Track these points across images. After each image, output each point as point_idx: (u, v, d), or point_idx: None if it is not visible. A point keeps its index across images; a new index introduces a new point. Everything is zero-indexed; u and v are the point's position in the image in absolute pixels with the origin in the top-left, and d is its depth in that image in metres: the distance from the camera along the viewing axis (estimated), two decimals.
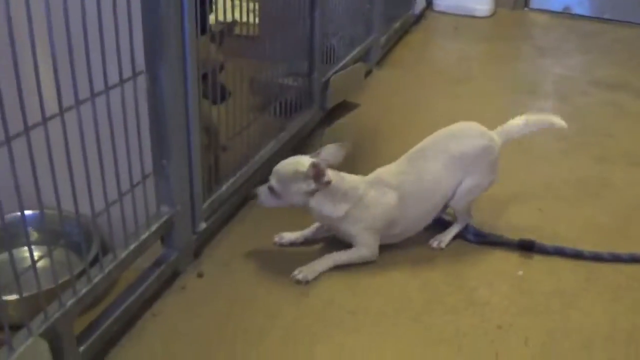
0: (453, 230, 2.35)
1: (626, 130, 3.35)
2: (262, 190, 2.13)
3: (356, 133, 3.14)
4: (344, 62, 3.28)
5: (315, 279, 2.11)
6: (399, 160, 2.28)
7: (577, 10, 5.66)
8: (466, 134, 2.30)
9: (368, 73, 3.81)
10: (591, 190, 2.75)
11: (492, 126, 2.37)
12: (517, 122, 2.40)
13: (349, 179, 2.15)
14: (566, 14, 5.66)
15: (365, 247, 2.19)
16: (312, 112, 2.93)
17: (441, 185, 2.25)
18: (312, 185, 2.06)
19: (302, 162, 2.09)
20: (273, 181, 2.10)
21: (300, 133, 2.83)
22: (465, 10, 5.37)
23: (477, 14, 5.35)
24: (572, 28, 5.27)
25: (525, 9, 5.75)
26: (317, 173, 2.04)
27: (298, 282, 2.09)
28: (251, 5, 2.55)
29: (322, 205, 2.10)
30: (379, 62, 4.00)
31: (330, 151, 2.15)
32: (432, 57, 4.60)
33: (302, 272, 2.11)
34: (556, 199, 2.66)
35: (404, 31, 4.63)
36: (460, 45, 4.71)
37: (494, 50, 4.67)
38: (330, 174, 2.06)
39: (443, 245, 2.31)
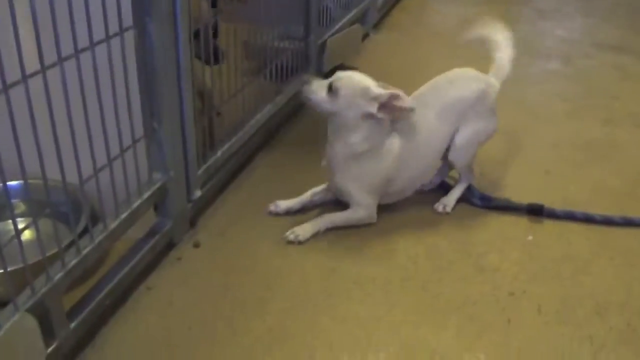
0: (457, 191, 2.26)
1: (631, 92, 3.25)
2: (320, 84, 2.01)
3: None
4: (340, 24, 3.16)
5: (315, 246, 2.02)
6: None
7: None
8: (461, 79, 2.20)
9: (365, 36, 3.70)
10: (599, 152, 2.65)
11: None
12: (505, 54, 2.32)
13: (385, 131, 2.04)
14: None
15: (362, 207, 2.09)
16: (310, 73, 2.81)
17: (436, 134, 2.13)
18: (376, 110, 1.95)
19: (372, 83, 2.00)
20: (340, 82, 1.97)
21: (297, 96, 2.70)
22: None
23: None
24: None
25: None
26: (389, 104, 1.95)
27: (290, 242, 2.01)
28: None
29: (359, 133, 1.99)
30: (376, 25, 3.89)
31: None
32: (430, 20, 4.48)
33: (294, 233, 2.03)
34: (563, 162, 2.57)
35: None
36: (458, 9, 4.58)
37: (493, 13, 4.45)
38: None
39: (448, 209, 2.22)
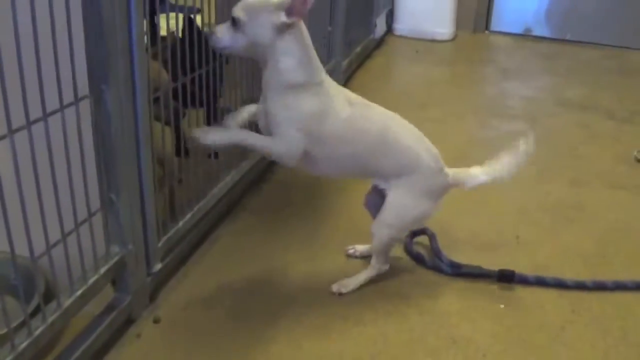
0: (362, 276, 2.10)
1: (596, 151, 3.24)
2: (223, 26, 1.80)
3: None
4: None
5: (280, 324, 1.91)
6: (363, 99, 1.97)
7: (538, 31, 5.62)
8: (414, 137, 2.01)
9: None
10: (568, 214, 2.62)
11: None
12: (475, 172, 2.09)
13: (319, 63, 1.85)
14: (527, 36, 5.61)
15: (285, 141, 1.83)
16: None
17: (367, 142, 1.92)
18: (283, 17, 1.72)
19: None
20: (238, 10, 1.76)
21: (262, 162, 2.67)
22: (426, 34, 5.28)
23: (438, 37, 5.27)
24: (534, 50, 5.22)
25: (486, 31, 5.70)
26: (295, 5, 1.71)
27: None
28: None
29: (286, 57, 1.77)
30: None
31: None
32: (396, 81, 4.49)
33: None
34: (533, 225, 2.53)
35: (366, 56, 4.51)
36: (423, 69, 4.59)
37: (457, 73, 4.57)
38: (304, 29, 1.79)
39: (344, 290, 2.07)
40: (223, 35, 1.79)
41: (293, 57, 1.78)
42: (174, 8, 2.20)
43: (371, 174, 2.01)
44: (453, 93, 3.99)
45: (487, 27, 5.70)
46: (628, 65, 4.98)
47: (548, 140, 3.33)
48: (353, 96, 1.94)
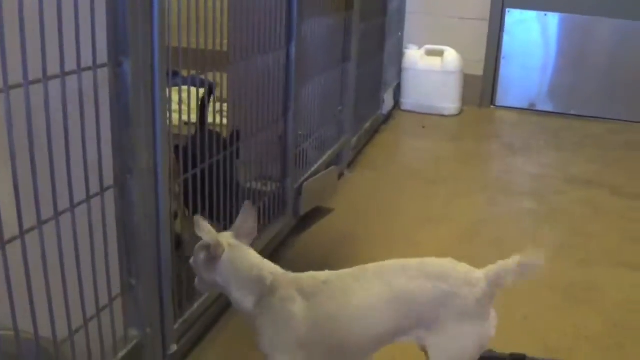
0: None
1: (605, 229, 3.28)
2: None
3: (331, 240, 3.02)
4: (316, 165, 3.20)
5: None
6: (330, 272, 1.72)
7: (542, 106, 5.71)
8: (421, 273, 1.68)
9: (340, 176, 3.74)
10: (578, 295, 2.64)
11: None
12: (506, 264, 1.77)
13: (263, 266, 1.69)
14: (532, 110, 5.70)
15: None
16: (286, 219, 2.82)
17: (370, 318, 1.65)
18: (206, 254, 1.65)
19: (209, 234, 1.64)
20: (190, 260, 1.71)
21: (274, 241, 2.72)
22: (433, 109, 5.38)
23: (445, 112, 5.37)
24: (540, 125, 5.30)
25: (492, 106, 5.79)
26: (207, 242, 1.63)
27: None
28: (218, 105, 2.45)
29: (229, 287, 1.67)
30: (351, 164, 3.94)
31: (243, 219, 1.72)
32: (403, 157, 4.56)
33: None
34: (542, 307, 2.55)
35: (374, 131, 4.61)
36: (430, 145, 4.67)
37: (464, 149, 4.64)
38: (231, 250, 1.65)
39: None
40: (196, 283, 1.77)
41: (235, 287, 1.67)
42: (186, 81, 2.21)
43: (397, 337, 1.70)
44: (460, 169, 4.07)
45: (492, 102, 5.80)
46: (635, 140, 5.05)
47: (556, 218, 3.37)
48: (305, 283, 1.68)
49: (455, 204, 3.49)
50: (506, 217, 3.35)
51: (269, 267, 1.70)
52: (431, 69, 5.42)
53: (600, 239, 3.15)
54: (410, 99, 5.50)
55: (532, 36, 5.68)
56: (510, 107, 5.76)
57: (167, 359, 1.95)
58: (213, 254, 1.63)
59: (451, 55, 5.41)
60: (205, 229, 1.61)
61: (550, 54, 5.72)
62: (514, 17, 5.65)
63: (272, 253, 2.72)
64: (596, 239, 3.16)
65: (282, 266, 2.63)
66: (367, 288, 1.66)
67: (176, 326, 1.98)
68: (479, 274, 1.71)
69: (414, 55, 5.49)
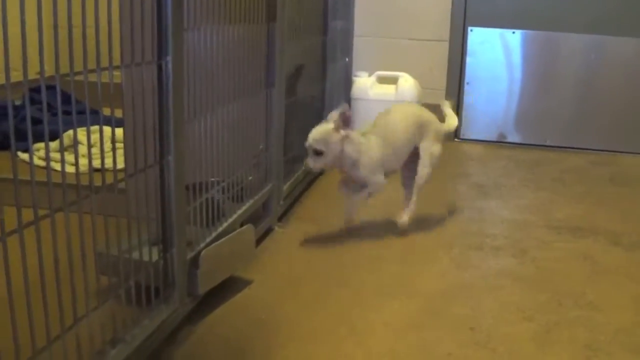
0: (411, 207, 3.04)
1: (611, 295, 2.49)
2: (309, 159, 2.73)
3: (242, 328, 2.19)
4: (227, 223, 2.39)
5: None
6: (386, 114, 2.98)
7: (513, 137, 5.01)
8: (420, 109, 3.12)
9: (267, 232, 2.92)
10: None
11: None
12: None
13: (355, 134, 2.78)
14: (502, 142, 4.98)
15: (375, 182, 2.86)
16: (171, 305, 1.98)
17: (402, 131, 2.92)
18: (343, 131, 2.70)
19: (328, 123, 2.74)
20: (315, 145, 2.68)
21: (153, 339, 1.89)
22: None
23: None
24: (512, 159, 4.55)
25: (456, 139, 5.06)
26: (344, 120, 2.68)
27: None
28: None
29: (351, 149, 2.73)
30: (282, 217, 3.11)
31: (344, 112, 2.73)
32: None
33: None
34: None
35: (314, 176, 3.76)
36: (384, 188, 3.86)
37: (425, 191, 3.81)
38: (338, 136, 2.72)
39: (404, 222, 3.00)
40: (314, 164, 2.74)
41: (353, 149, 2.76)
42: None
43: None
44: (420, 220, 3.17)
45: (456, 134, 5.06)
46: (621, 173, 4.33)
47: (545, 282, 2.58)
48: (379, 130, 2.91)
49: (412, 270, 2.68)
50: (480, 283, 2.54)
51: (359, 134, 2.82)
52: (384, 98, 4.65)
53: (607, 311, 2.36)
54: None
55: (499, 57, 4.96)
56: (476, 140, 5.04)
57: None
58: (346, 124, 2.71)
59: (407, 82, 4.67)
60: (348, 112, 2.74)
61: (521, 77, 5.00)
62: (479, 37, 4.92)
63: (150, 356, 1.89)
64: (601, 310, 2.36)
65: None
66: (406, 123, 2.96)
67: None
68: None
69: (364, 83, 4.73)
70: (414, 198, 3.02)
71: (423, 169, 3.00)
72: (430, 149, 3.00)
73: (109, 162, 1.69)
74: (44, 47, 1.33)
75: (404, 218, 3.00)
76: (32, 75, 1.30)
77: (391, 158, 2.90)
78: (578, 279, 2.62)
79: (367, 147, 2.78)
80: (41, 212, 1.37)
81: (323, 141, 2.67)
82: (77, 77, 1.48)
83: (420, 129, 2.96)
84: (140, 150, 1.78)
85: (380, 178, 2.86)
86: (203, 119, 2.19)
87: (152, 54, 1.77)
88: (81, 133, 2.60)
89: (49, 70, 1.33)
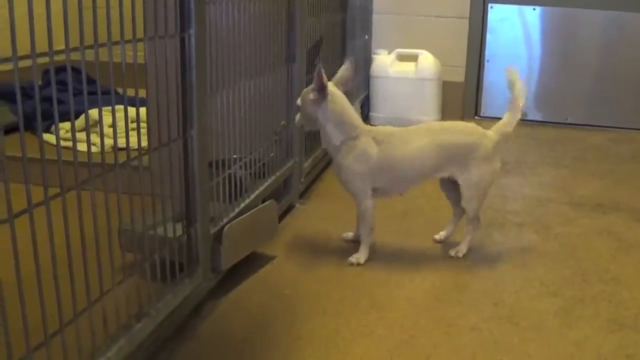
0: (467, 238, 2.56)
1: (635, 271, 2.48)
2: (297, 116, 2.51)
3: (264, 304, 2.19)
4: (250, 199, 2.39)
5: None
6: (395, 127, 2.53)
7: (534, 115, 4.95)
8: (453, 129, 2.55)
9: (289, 209, 2.92)
10: None
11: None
12: (505, 119, 2.58)
13: (354, 116, 2.45)
14: (523, 120, 4.91)
15: (358, 196, 2.48)
16: (195, 280, 1.99)
17: (420, 160, 2.46)
18: (314, 94, 2.38)
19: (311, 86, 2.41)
20: (298, 100, 2.48)
21: (178, 312, 1.90)
22: (408, 122, 4.43)
23: None
24: (532, 136, 4.52)
25: (476, 117, 5.02)
26: (319, 83, 2.35)
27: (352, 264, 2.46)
28: None
29: (327, 124, 2.42)
30: (303, 194, 3.11)
31: (343, 71, 2.52)
32: None
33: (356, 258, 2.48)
34: None
35: None
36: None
37: None
38: (336, 98, 2.42)
39: (460, 254, 2.53)
40: (298, 119, 2.51)
41: (331, 126, 2.42)
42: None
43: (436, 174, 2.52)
44: (440, 198, 3.16)
45: (476, 112, 5.04)
46: None
47: (568, 258, 2.56)
48: (379, 134, 2.46)
49: (437, 245, 2.68)
50: (504, 259, 2.53)
51: (358, 119, 2.47)
52: (404, 76, 4.63)
53: (632, 286, 2.34)
54: (382, 112, 4.71)
55: (519, 35, 4.91)
56: (497, 118, 4.93)
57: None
58: (320, 94, 2.37)
59: (427, 60, 4.63)
60: (321, 73, 2.32)
61: (541, 54, 4.96)
62: (498, 14, 4.88)
63: (175, 330, 1.90)
64: (626, 286, 2.35)
65: (185, 355, 1.85)
66: (420, 139, 2.46)
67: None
68: (491, 131, 2.53)
69: (384, 61, 4.70)
70: (467, 237, 2.56)
71: (467, 203, 2.50)
72: (471, 180, 2.46)
73: (133, 142, 1.70)
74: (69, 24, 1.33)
75: (460, 250, 2.55)
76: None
77: (383, 177, 2.47)
78: (601, 255, 2.61)
79: (360, 147, 2.42)
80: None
81: (301, 97, 2.45)
82: (102, 58, 1.47)
83: (453, 157, 2.45)
84: (163, 124, 1.78)
85: (364, 193, 2.47)
86: (225, 94, 2.19)
87: (175, 27, 1.77)
88: (104, 113, 2.60)
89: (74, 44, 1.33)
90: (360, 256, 2.47)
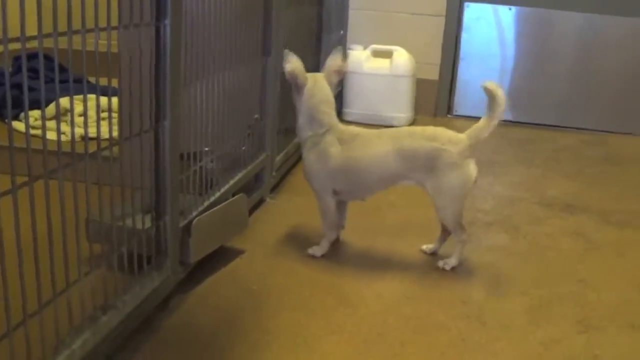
0: (457, 250, 2.43)
1: (603, 271, 2.50)
2: None
3: (232, 298, 2.18)
4: (220, 192, 2.37)
5: None
6: (363, 129, 2.48)
7: (507, 115, 4.88)
8: (419, 136, 2.36)
9: (259, 204, 2.90)
10: None
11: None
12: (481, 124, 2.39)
13: (327, 114, 2.41)
14: None
15: (318, 193, 2.45)
16: (165, 272, 1.97)
17: (379, 165, 2.38)
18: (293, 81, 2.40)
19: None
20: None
21: (145, 305, 1.88)
22: (381, 119, 4.57)
23: (395, 122, 4.52)
24: (505, 136, 4.53)
25: (448, 115, 5.05)
26: (293, 82, 2.40)
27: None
28: None
29: (300, 116, 2.43)
30: (274, 189, 3.10)
31: (332, 59, 2.50)
32: None
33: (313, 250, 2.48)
34: None
35: None
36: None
37: None
38: (316, 92, 2.41)
39: (448, 267, 2.41)
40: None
41: (302, 115, 2.42)
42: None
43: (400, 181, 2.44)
44: (413, 192, 3.15)
45: (449, 110, 5.06)
46: (614, 153, 4.33)
47: (537, 258, 2.58)
48: (344, 134, 2.40)
49: (406, 243, 2.68)
50: (473, 258, 2.54)
51: (330, 118, 2.41)
52: (378, 72, 4.63)
53: (599, 287, 2.36)
54: (354, 108, 4.69)
55: (494, 34, 4.94)
56: (469, 117, 4.99)
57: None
58: (297, 83, 2.39)
59: (401, 57, 4.63)
60: (292, 61, 2.36)
61: (515, 55, 4.99)
62: (474, 12, 4.89)
63: (141, 323, 1.88)
64: (593, 287, 2.36)
65: (151, 348, 1.83)
66: (381, 144, 2.37)
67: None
68: (462, 135, 2.35)
69: (358, 57, 4.68)
70: (458, 248, 2.43)
71: (440, 212, 2.40)
72: (440, 188, 2.34)
73: (104, 132, 1.67)
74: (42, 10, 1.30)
75: (449, 262, 2.43)
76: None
77: (343, 179, 2.41)
78: (570, 256, 2.63)
79: (324, 146, 2.38)
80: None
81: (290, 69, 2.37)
82: (76, 47, 1.44)
83: (414, 164, 2.35)
84: (135, 115, 1.76)
85: (325, 195, 2.44)
86: (199, 85, 2.16)
87: (151, 16, 1.75)
88: (75, 102, 2.56)
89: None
90: (318, 249, 2.47)
